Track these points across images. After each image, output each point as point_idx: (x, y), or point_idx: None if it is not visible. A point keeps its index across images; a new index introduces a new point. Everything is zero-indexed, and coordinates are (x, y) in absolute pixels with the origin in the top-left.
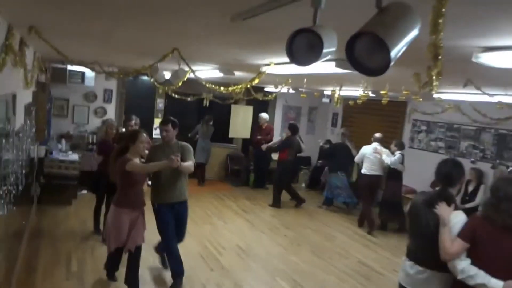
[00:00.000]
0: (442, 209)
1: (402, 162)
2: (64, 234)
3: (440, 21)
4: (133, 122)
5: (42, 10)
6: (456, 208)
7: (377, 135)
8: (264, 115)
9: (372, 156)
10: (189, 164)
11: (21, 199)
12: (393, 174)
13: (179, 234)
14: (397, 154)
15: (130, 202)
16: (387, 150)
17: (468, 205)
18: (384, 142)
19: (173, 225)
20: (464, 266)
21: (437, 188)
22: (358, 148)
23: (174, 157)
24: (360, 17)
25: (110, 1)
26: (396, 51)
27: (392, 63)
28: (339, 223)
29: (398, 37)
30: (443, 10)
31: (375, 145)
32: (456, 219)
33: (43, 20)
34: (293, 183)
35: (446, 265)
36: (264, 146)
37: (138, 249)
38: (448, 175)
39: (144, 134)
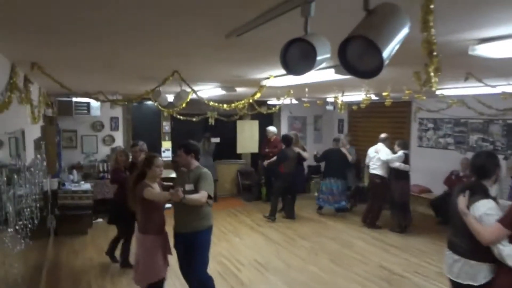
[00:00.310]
0: (459, 200)
1: (405, 162)
2: (83, 263)
3: (430, 18)
4: (137, 147)
5: (43, 47)
6: (495, 201)
7: (381, 135)
8: (272, 128)
9: (374, 156)
10: (197, 196)
11: (38, 233)
12: (399, 174)
13: (189, 265)
14: (399, 153)
15: (156, 227)
16: (387, 150)
17: None
18: (392, 144)
19: (181, 254)
20: (508, 252)
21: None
22: (364, 152)
23: (175, 191)
24: (352, 21)
25: (108, 33)
26: (388, 51)
27: (385, 64)
28: (356, 229)
29: (388, 37)
30: (431, 6)
31: (378, 145)
32: (485, 207)
33: (45, 56)
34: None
35: (479, 254)
36: (265, 163)
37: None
38: (481, 167)
39: (160, 158)
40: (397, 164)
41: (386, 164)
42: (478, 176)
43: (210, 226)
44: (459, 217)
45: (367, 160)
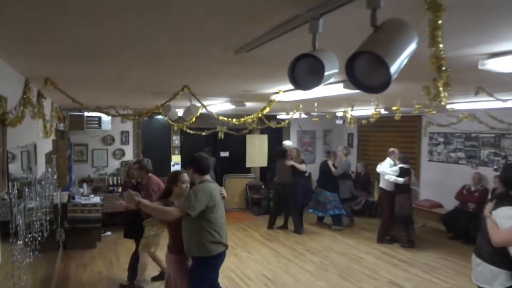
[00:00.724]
0: (486, 206)
1: (404, 175)
2: (91, 277)
3: (438, 33)
4: (135, 165)
5: (56, 64)
6: None
7: (389, 150)
8: (287, 142)
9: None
10: (154, 205)
11: (47, 246)
12: (398, 188)
13: None
14: (394, 167)
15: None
16: (386, 163)
17: None
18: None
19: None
20: None
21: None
22: (374, 166)
23: (128, 193)
24: (359, 36)
25: (120, 50)
26: (396, 66)
27: (393, 79)
28: (365, 243)
29: (395, 52)
30: (439, 22)
31: (387, 160)
32: (505, 213)
33: (58, 72)
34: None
35: (499, 259)
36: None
37: None
38: (509, 179)
39: (185, 174)
40: (392, 178)
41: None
42: (506, 187)
43: (207, 257)
44: (485, 223)
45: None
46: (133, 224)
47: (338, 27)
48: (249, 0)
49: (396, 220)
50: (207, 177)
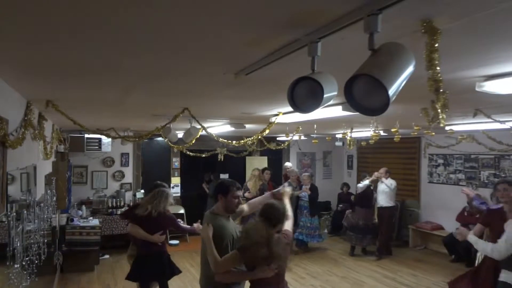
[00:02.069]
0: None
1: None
2: None
3: (435, 56)
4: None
5: (57, 87)
6: None
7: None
8: (288, 164)
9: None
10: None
11: (44, 269)
12: (365, 202)
13: None
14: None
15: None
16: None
17: None
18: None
19: None
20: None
21: None
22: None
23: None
24: (357, 60)
25: (120, 73)
26: (394, 89)
27: (391, 101)
28: (366, 267)
29: (393, 75)
30: (436, 45)
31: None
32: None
33: (59, 95)
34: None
35: None
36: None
37: None
38: None
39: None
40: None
41: (385, 195)
42: None
43: None
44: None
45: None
46: (159, 261)
47: (336, 50)
48: (249, 25)
49: (364, 232)
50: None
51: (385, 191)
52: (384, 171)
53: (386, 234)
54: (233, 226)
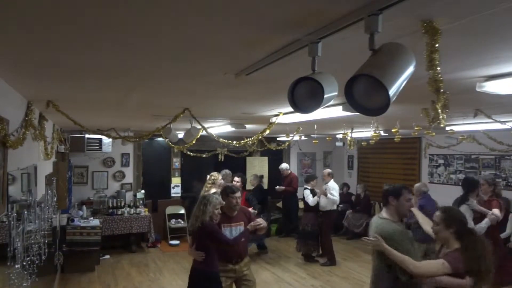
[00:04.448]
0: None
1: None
2: None
3: (436, 56)
4: None
5: (58, 87)
6: None
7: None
8: (283, 165)
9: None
10: None
11: (45, 269)
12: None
13: None
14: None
15: None
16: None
17: (502, 235)
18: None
19: None
20: None
21: None
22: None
23: None
24: (358, 60)
25: (121, 76)
26: (394, 89)
27: (391, 101)
28: (367, 267)
29: (394, 75)
30: (437, 45)
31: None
32: None
33: (60, 95)
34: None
35: None
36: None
37: None
38: None
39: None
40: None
41: (328, 198)
42: None
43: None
44: None
45: None
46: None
47: (337, 50)
48: (249, 25)
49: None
50: None
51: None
52: (327, 174)
53: (327, 237)
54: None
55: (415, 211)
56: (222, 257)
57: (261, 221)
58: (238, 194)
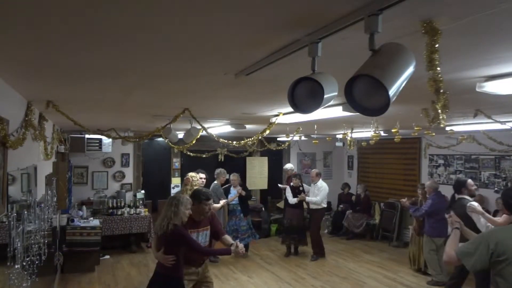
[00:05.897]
0: None
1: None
2: None
3: (436, 56)
4: None
5: (58, 87)
6: None
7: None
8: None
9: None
10: None
11: (44, 269)
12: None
13: None
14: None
15: None
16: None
17: None
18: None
19: None
20: None
21: None
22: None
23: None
24: (358, 60)
25: (121, 74)
26: (394, 89)
27: (391, 102)
28: (367, 267)
29: (393, 76)
30: (436, 46)
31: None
32: None
33: (60, 95)
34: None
35: None
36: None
37: None
38: None
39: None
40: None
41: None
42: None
43: None
44: None
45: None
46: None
47: (337, 50)
48: (249, 25)
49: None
50: None
51: (315, 193)
52: (315, 174)
53: (316, 234)
54: None
55: None
56: (186, 260)
57: (241, 247)
58: (211, 201)
